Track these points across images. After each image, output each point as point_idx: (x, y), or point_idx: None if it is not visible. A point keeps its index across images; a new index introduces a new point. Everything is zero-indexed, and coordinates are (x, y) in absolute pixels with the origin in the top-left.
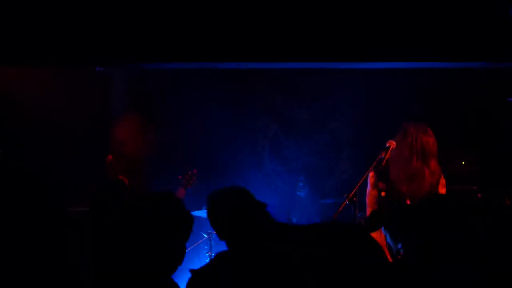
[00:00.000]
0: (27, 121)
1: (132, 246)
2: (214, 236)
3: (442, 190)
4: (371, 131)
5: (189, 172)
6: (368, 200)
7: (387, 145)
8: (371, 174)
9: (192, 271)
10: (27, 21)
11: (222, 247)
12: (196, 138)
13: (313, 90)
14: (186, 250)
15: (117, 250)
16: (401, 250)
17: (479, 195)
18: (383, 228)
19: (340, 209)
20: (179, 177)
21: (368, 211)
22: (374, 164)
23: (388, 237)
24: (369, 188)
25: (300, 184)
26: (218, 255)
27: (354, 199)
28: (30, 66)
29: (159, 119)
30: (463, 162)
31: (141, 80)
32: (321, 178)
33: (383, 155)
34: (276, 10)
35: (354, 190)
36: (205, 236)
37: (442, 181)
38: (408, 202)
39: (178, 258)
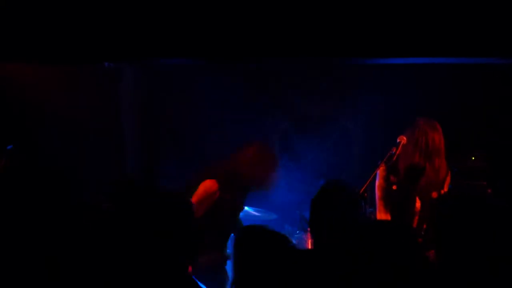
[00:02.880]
0: (36, 117)
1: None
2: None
3: (445, 189)
4: (383, 126)
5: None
6: (378, 192)
7: (398, 140)
8: (381, 167)
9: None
10: (36, 18)
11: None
12: (204, 133)
13: (325, 85)
14: None
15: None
16: None
17: (489, 190)
18: None
19: None
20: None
21: (379, 203)
22: (385, 160)
23: None
24: (379, 180)
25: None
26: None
27: (365, 194)
28: (39, 62)
29: (167, 113)
30: (473, 158)
31: (150, 75)
32: (332, 174)
33: (394, 151)
34: (287, 6)
35: (365, 186)
36: None
37: (448, 179)
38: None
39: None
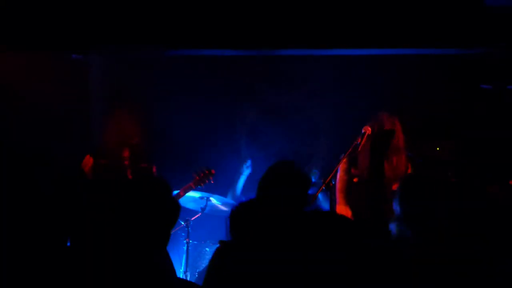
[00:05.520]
0: (4, 105)
1: (117, 228)
2: (191, 223)
3: None
4: (351, 116)
5: (206, 171)
6: (338, 185)
7: (363, 131)
8: (343, 160)
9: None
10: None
11: (199, 233)
12: (172, 124)
13: (292, 75)
14: None
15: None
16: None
17: (453, 180)
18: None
19: (317, 194)
20: (193, 174)
21: (339, 196)
22: (350, 150)
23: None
24: (340, 173)
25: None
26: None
27: (331, 184)
28: (9, 50)
29: (135, 105)
30: (438, 148)
31: (118, 68)
32: (299, 164)
33: (359, 141)
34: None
35: (331, 175)
36: (182, 223)
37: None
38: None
39: (160, 243)
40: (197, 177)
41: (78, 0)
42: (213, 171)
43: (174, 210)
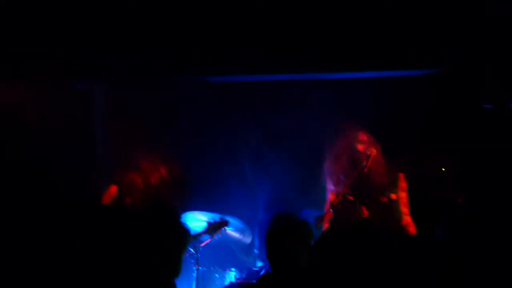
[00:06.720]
0: (11, 130)
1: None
2: (200, 249)
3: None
4: None
5: (220, 220)
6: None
7: (368, 153)
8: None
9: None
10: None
11: (208, 260)
12: (176, 149)
13: (296, 100)
14: None
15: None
16: None
17: (460, 200)
18: None
19: (323, 216)
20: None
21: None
22: (356, 173)
23: None
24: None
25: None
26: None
27: (338, 207)
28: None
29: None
30: (443, 169)
31: (121, 92)
32: (305, 188)
33: (365, 163)
34: (254, 25)
35: (338, 198)
36: (192, 250)
37: (401, 184)
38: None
39: (173, 270)
40: (211, 226)
41: (82, 31)
42: (227, 222)
43: (183, 237)
